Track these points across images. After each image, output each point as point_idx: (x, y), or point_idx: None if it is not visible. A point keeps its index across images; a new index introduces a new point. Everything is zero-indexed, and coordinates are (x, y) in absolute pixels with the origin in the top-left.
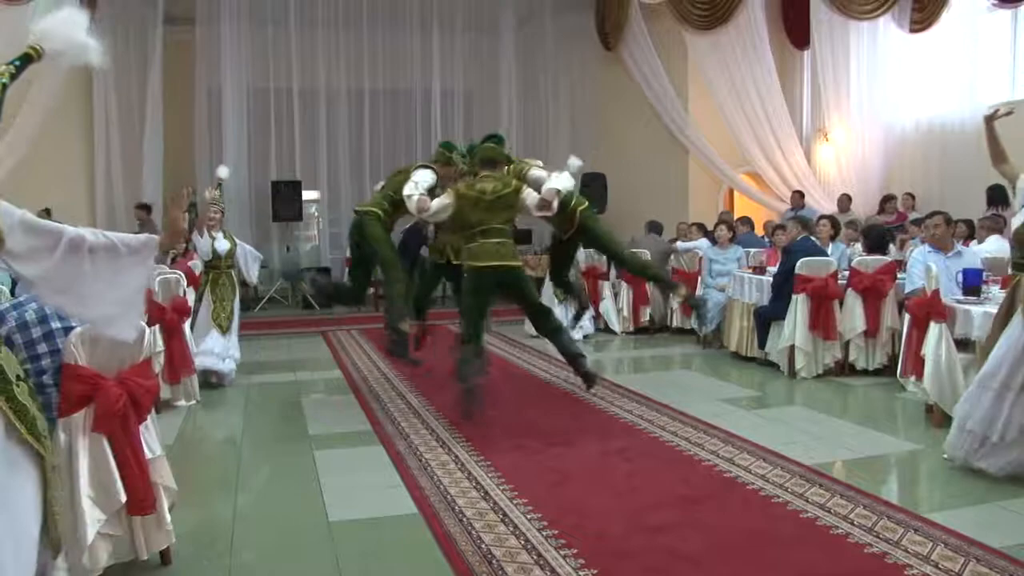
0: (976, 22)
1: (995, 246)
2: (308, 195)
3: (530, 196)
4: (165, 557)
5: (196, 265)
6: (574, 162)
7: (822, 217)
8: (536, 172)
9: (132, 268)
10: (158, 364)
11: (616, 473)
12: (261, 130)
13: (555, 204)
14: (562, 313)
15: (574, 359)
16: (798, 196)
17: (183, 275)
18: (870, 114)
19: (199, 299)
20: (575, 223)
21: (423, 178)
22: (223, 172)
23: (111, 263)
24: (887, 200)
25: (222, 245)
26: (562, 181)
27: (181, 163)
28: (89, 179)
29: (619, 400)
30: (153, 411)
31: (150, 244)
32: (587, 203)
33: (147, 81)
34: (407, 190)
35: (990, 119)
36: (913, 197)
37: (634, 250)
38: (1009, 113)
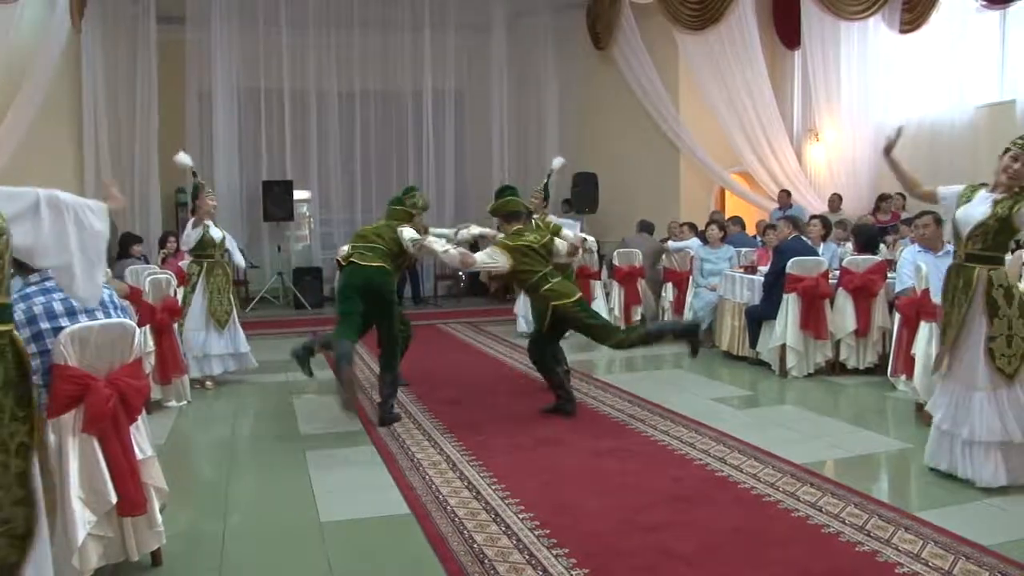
0: (965, 22)
1: None
2: (299, 195)
3: (559, 244)
4: (156, 558)
5: (186, 266)
6: (558, 161)
7: (813, 217)
8: (565, 229)
9: (97, 227)
10: (148, 364)
11: (608, 472)
12: (252, 129)
13: (582, 250)
14: None
15: (565, 388)
16: (785, 195)
17: (173, 275)
18: (860, 114)
19: (191, 290)
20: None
21: (423, 237)
22: (186, 159)
23: (82, 219)
24: (883, 199)
25: (216, 233)
26: (589, 236)
27: (172, 162)
28: (79, 179)
29: (611, 399)
30: (144, 412)
31: (103, 206)
32: None
33: (138, 80)
34: (439, 246)
35: (888, 150)
36: (904, 197)
37: (626, 250)
38: (899, 130)
